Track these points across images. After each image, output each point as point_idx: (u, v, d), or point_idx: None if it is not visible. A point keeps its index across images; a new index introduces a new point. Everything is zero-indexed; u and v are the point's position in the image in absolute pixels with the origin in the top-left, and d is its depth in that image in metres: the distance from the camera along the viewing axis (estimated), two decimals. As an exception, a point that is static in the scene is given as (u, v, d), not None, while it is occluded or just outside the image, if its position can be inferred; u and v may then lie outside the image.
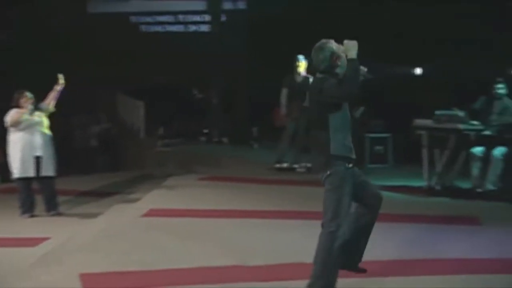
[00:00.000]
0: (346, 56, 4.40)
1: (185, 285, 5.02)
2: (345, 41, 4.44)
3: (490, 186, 8.74)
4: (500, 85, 8.86)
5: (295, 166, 10.74)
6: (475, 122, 8.67)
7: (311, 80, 10.67)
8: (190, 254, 5.76)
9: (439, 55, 11.84)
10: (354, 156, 4.52)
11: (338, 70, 4.48)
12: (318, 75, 4.56)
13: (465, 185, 9.10)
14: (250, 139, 13.98)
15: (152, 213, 7.43)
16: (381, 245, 5.63)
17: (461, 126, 8.58)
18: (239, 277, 5.20)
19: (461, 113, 8.68)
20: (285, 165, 10.79)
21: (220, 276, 5.20)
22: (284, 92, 10.83)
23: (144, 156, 13.63)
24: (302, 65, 10.73)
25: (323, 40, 4.55)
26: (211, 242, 6.18)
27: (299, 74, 10.75)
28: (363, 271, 4.77)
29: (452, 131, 8.66)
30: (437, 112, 8.91)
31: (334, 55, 4.46)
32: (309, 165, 10.74)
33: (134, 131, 15.06)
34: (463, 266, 5.56)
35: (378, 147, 11.53)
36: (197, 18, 17.05)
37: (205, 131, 14.83)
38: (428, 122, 9.08)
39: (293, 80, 10.80)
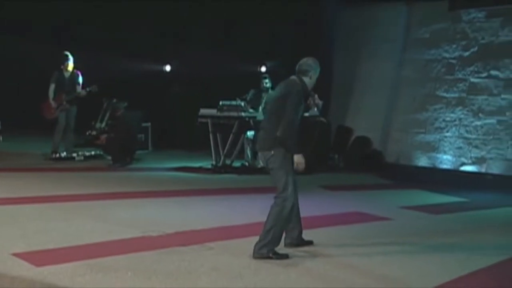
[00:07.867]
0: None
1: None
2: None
3: (261, 163, 10.45)
4: (266, 80, 10.64)
5: (74, 155, 11.08)
6: (251, 110, 10.29)
7: (80, 75, 11.21)
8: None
9: (184, 52, 13.13)
10: None
11: (306, 80, 5.53)
12: (294, 77, 5.56)
13: (238, 163, 10.71)
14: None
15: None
16: (228, 214, 7.08)
17: (243, 114, 10.12)
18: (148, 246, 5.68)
19: (241, 103, 10.23)
20: (63, 154, 11.04)
21: (131, 246, 5.68)
22: (52, 87, 11.23)
23: None
24: (70, 63, 11.25)
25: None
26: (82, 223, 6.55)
27: (68, 70, 11.24)
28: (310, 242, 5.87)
29: (236, 118, 10.15)
30: (221, 102, 10.31)
31: (314, 71, 5.56)
32: (87, 153, 11.23)
33: None
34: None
35: (139, 135, 12.50)
36: None
37: None
38: (212, 111, 10.43)
39: (62, 76, 11.27)
